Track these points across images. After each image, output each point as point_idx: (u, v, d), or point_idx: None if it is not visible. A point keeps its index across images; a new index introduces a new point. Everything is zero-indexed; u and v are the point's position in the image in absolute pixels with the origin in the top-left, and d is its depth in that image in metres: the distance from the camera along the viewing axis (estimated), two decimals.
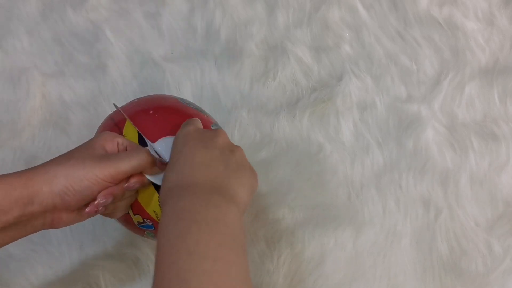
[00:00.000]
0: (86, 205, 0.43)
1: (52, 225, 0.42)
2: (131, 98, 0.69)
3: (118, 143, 0.46)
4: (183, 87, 0.70)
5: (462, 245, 0.58)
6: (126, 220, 0.50)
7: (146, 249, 0.60)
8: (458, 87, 0.67)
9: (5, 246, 0.40)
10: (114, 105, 0.51)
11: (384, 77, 0.68)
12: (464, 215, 0.60)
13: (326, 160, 0.64)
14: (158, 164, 0.45)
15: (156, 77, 0.71)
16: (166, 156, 0.45)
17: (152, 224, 0.49)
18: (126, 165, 0.42)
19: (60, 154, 0.43)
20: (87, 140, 0.45)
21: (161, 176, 0.44)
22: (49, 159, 0.43)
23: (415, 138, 0.64)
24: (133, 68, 0.71)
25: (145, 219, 0.49)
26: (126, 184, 0.43)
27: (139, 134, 0.47)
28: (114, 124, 0.50)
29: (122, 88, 0.70)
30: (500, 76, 0.67)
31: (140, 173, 0.44)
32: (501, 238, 0.58)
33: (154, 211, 0.47)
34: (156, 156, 0.46)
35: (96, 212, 0.42)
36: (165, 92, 0.69)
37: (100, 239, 0.61)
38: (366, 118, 0.66)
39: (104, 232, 0.62)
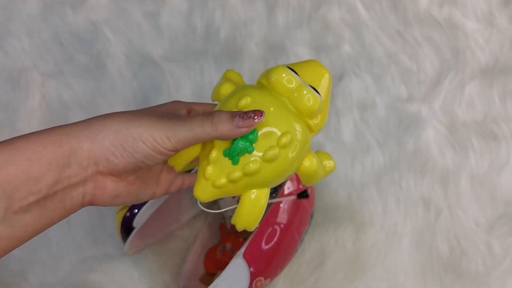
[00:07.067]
0: (136, 174, 0.34)
1: (94, 199, 0.34)
2: (130, 98, 0.69)
3: (190, 111, 0.38)
4: (183, 86, 0.70)
5: (462, 245, 0.58)
6: None
7: (146, 250, 0.60)
8: (458, 87, 0.67)
9: None
10: None
11: (384, 77, 0.68)
12: (464, 215, 0.60)
13: None
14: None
15: (155, 77, 0.70)
16: None
17: None
18: (189, 132, 0.32)
19: None
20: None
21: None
22: None
23: (415, 138, 0.64)
24: (133, 68, 0.71)
25: None
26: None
27: None
28: None
29: (121, 88, 0.70)
30: (500, 76, 0.67)
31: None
32: (501, 238, 0.58)
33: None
34: None
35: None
36: (165, 91, 0.69)
37: (99, 240, 0.61)
38: (366, 118, 0.66)
39: (103, 232, 0.61)
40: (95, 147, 0.32)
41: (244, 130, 0.32)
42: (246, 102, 0.34)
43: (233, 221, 0.37)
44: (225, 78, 0.40)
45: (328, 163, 0.39)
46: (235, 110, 0.34)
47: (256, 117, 0.32)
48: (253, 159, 0.33)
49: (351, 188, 0.62)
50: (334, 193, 0.63)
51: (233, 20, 0.74)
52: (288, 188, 0.53)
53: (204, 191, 0.35)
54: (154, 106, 0.37)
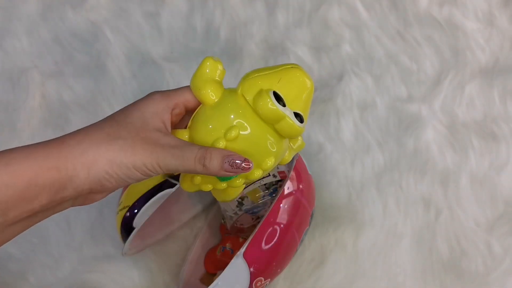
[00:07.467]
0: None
1: (82, 204, 0.37)
2: (130, 98, 0.69)
3: (172, 113, 0.39)
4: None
5: (462, 245, 0.58)
6: None
7: (146, 250, 0.60)
8: (458, 87, 0.67)
9: (4, 246, 0.39)
10: None
11: (384, 77, 0.68)
12: (464, 215, 0.60)
13: (326, 160, 0.64)
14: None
15: (155, 77, 0.71)
16: None
17: None
18: (180, 166, 0.35)
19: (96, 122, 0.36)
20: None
21: None
22: None
23: (415, 138, 0.64)
24: (133, 68, 0.71)
25: None
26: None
27: None
28: None
29: (121, 88, 0.70)
30: (500, 76, 0.67)
31: None
32: (501, 238, 0.58)
33: None
34: None
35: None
36: None
37: (99, 240, 0.61)
38: (366, 118, 0.66)
39: (103, 232, 0.62)
40: (91, 176, 0.33)
41: (231, 174, 0.35)
42: (235, 134, 0.36)
43: (213, 194, 0.42)
44: (203, 79, 0.39)
45: (297, 145, 0.42)
46: (223, 141, 0.36)
47: (244, 166, 0.35)
48: (238, 179, 0.38)
49: (351, 188, 0.62)
50: (334, 193, 0.62)
51: (233, 20, 0.74)
52: (288, 188, 0.53)
53: (190, 189, 0.41)
54: (137, 113, 0.37)
